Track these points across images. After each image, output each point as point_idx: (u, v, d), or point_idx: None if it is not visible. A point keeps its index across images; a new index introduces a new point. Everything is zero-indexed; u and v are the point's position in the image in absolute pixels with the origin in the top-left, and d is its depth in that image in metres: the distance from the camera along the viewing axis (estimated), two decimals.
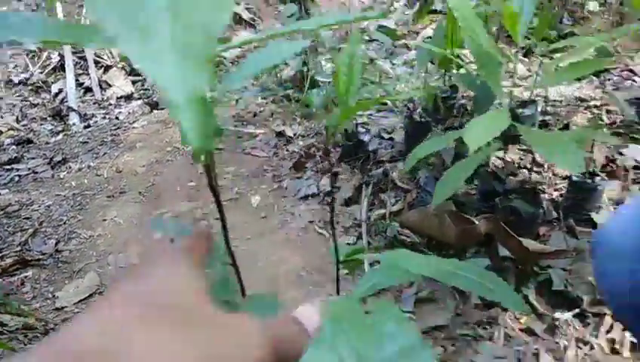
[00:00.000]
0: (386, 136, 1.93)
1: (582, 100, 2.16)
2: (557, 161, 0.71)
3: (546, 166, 1.68)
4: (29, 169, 2.12)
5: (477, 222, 1.23)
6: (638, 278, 0.53)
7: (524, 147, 1.82)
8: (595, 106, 2.08)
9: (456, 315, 1.17)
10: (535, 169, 1.70)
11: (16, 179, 2.05)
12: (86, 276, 1.43)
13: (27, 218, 1.75)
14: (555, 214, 1.43)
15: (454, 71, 1.21)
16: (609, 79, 2.50)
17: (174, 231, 0.70)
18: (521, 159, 1.78)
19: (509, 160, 1.71)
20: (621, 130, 1.88)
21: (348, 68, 0.48)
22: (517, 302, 0.58)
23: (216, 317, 0.24)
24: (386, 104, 2.16)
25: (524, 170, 1.67)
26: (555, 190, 1.57)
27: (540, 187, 1.59)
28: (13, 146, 2.43)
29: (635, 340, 1.04)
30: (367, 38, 3.07)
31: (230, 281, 0.62)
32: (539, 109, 1.95)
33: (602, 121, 1.95)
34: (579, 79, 2.44)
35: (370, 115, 2.11)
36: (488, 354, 1.07)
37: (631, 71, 2.54)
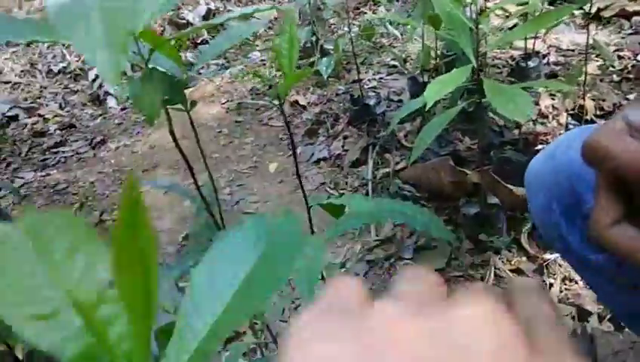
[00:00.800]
0: (396, 98, 2.01)
1: (594, 48, 2.13)
2: (507, 111, 0.78)
3: (550, 117, 1.72)
4: (73, 150, 2.34)
5: (469, 174, 1.32)
6: (549, 216, 0.61)
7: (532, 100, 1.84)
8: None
9: (452, 259, 1.27)
10: (540, 120, 1.74)
11: (63, 160, 2.28)
12: None
13: (74, 193, 1.97)
14: None
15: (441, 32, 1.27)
16: None
17: (165, 186, 0.87)
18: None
19: None
20: (631, 75, 1.87)
21: (288, 47, 0.59)
22: (445, 232, 0.69)
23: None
24: (396, 67, 2.22)
25: (530, 123, 1.72)
26: None
27: (542, 138, 1.64)
28: (58, 131, 2.66)
29: None
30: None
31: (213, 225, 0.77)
32: (544, 61, 1.96)
33: (614, 67, 1.94)
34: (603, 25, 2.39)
35: (381, 78, 2.18)
36: None
37: None
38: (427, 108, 0.84)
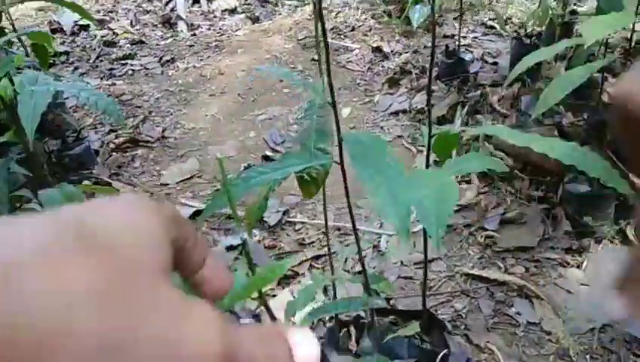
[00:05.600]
0: (490, 60, 1.83)
1: None
2: None
3: None
4: (142, 65, 2.28)
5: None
6: None
7: None
8: None
9: (544, 239, 1.13)
10: None
11: (130, 72, 2.22)
12: (188, 160, 1.56)
13: (138, 106, 1.91)
14: None
15: None
16: None
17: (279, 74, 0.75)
18: None
19: None
20: None
21: None
22: (622, 184, 0.56)
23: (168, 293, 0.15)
24: (492, 28, 2.02)
25: None
26: None
27: None
28: (128, 45, 2.61)
29: None
30: None
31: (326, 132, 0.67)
32: None
33: None
34: None
35: (475, 37, 1.99)
36: (573, 279, 1.04)
37: None
38: (586, 47, 0.69)
